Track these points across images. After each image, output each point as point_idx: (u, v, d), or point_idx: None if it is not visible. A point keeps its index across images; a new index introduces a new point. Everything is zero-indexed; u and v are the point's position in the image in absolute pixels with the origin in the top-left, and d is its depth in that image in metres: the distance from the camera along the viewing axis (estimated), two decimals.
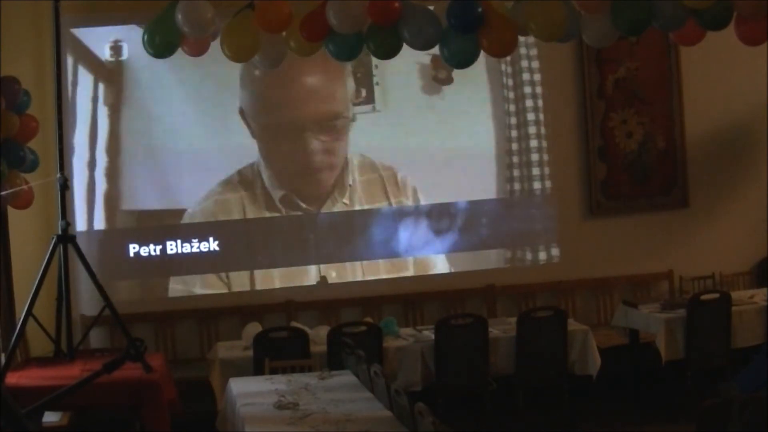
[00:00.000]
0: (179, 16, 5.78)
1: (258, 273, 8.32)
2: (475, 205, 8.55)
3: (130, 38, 7.87)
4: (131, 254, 8.10)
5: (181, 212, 8.22)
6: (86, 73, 8.05)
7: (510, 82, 8.63)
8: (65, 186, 6.47)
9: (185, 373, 7.52)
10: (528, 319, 7.22)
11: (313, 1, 5.79)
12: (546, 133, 8.65)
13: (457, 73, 8.30)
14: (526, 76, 8.63)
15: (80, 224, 7.97)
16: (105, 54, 8.03)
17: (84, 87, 8.04)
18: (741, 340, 7.44)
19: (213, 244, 8.19)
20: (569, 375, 7.23)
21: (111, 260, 8.03)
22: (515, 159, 8.64)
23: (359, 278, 8.47)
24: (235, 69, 7.85)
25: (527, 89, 8.65)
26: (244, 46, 5.96)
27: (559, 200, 8.70)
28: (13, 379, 6.01)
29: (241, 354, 7.03)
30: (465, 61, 5.99)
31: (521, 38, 6.35)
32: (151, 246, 8.12)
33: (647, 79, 8.76)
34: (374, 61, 8.18)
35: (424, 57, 8.15)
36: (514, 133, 8.62)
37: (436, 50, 6.13)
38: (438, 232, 8.52)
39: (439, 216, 8.51)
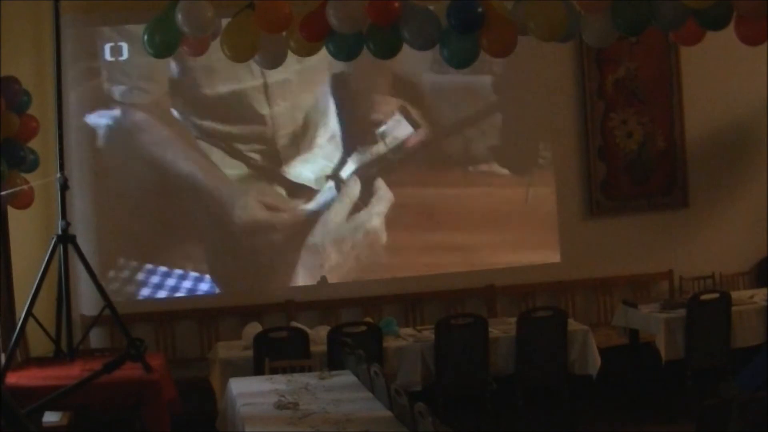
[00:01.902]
0: (179, 16, 5.78)
1: (258, 272, 8.35)
2: (474, 204, 8.56)
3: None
4: None
5: None
6: None
7: None
8: (65, 186, 6.47)
9: (185, 373, 7.52)
10: (528, 319, 7.22)
11: (313, 1, 5.79)
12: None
13: None
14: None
15: None
16: (105, 54, 8.04)
17: None
18: (741, 340, 7.43)
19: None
20: (569, 375, 7.23)
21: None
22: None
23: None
24: None
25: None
26: (244, 46, 5.96)
27: (559, 200, 8.70)
28: (13, 379, 6.02)
29: (241, 354, 7.02)
30: (465, 61, 5.99)
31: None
32: None
33: (647, 79, 8.75)
34: None
35: None
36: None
37: None
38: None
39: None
